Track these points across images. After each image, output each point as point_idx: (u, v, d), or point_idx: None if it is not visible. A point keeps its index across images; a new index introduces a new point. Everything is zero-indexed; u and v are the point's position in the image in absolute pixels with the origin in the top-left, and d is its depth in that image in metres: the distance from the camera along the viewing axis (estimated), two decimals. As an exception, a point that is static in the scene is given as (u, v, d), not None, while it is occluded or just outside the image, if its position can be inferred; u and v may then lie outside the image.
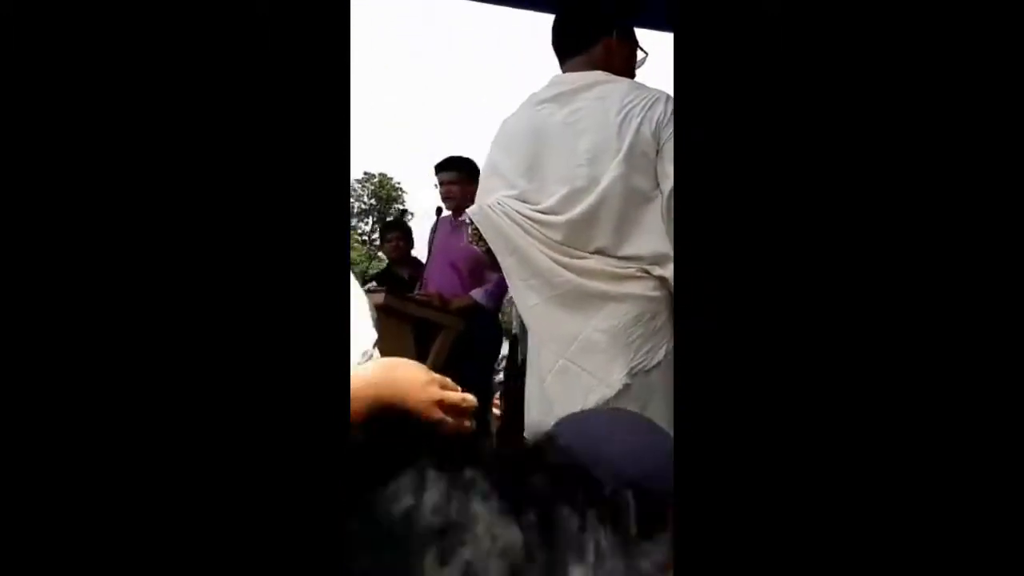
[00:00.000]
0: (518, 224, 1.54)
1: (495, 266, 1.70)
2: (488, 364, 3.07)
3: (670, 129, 1.47)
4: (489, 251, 1.63)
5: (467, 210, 1.73)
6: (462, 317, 2.76)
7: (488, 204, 1.60)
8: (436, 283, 3.02)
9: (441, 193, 3.12)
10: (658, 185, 1.51)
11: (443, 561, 0.30)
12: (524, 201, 1.57)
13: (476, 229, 1.64)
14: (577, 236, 1.53)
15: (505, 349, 2.83)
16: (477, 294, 2.96)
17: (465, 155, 3.13)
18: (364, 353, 0.97)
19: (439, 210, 3.20)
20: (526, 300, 1.57)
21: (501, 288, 2.92)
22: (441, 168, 3.10)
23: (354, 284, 0.95)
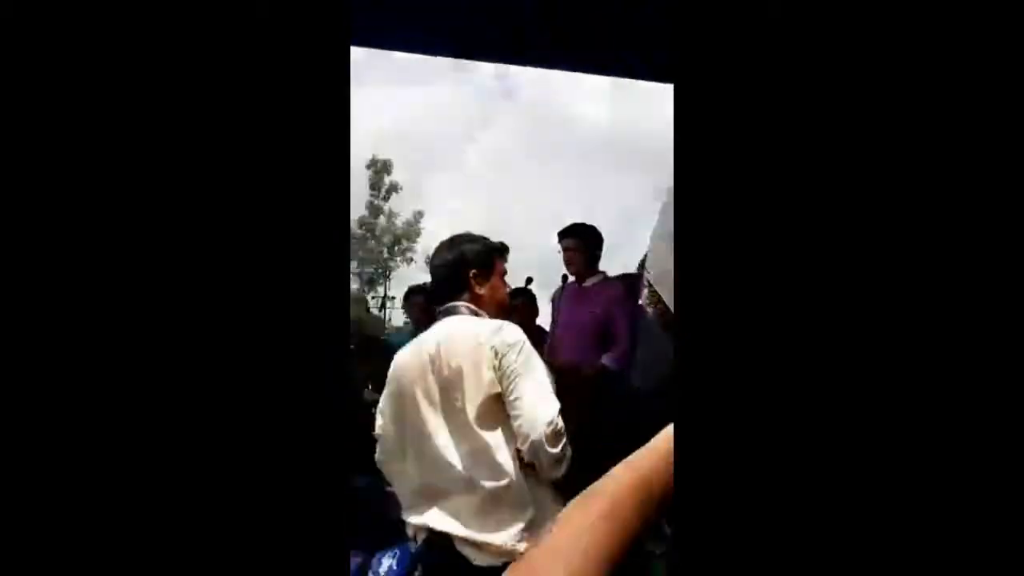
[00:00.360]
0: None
1: (668, 327, 1.64)
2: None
3: None
4: (664, 313, 1.58)
5: (645, 273, 1.70)
6: (594, 383, 2.70)
7: (668, 268, 1.56)
8: (565, 349, 2.98)
9: (565, 259, 3.11)
10: None
11: None
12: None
13: (655, 291, 1.60)
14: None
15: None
16: (608, 360, 2.91)
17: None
18: None
19: (564, 277, 3.19)
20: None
21: (627, 353, 2.86)
22: (565, 235, 3.10)
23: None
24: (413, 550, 1.70)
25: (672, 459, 0.52)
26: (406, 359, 1.73)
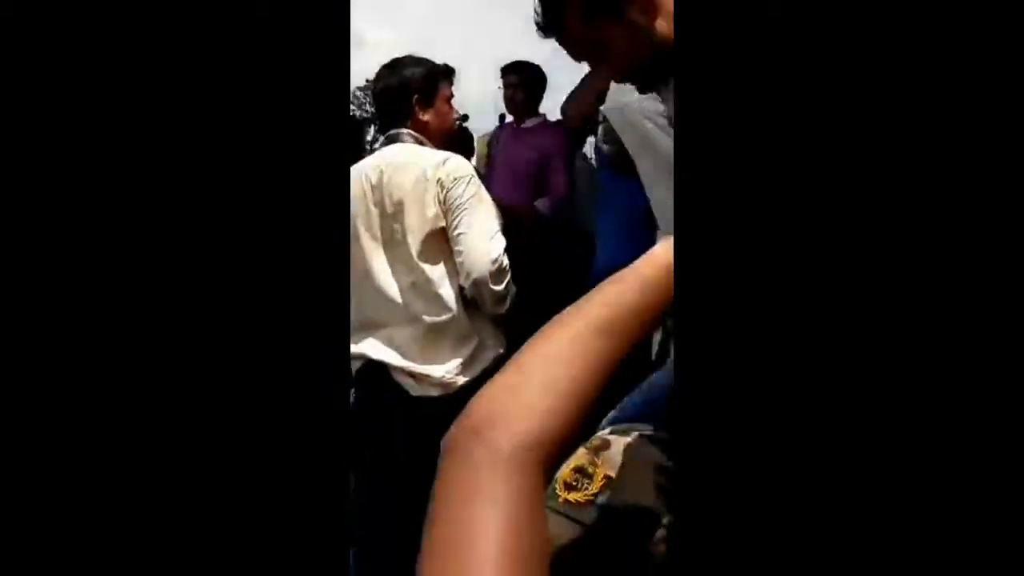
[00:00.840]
0: (660, 127, 1.45)
1: (618, 168, 1.61)
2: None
3: None
4: (619, 153, 1.54)
5: (602, 108, 1.64)
6: (529, 225, 2.68)
7: (626, 102, 1.51)
8: (499, 193, 2.93)
9: (505, 96, 2.99)
10: None
11: None
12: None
13: (610, 127, 1.55)
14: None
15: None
16: (542, 204, 2.88)
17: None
18: None
19: (502, 117, 3.09)
20: (667, 202, 1.49)
21: (565, 198, 2.84)
22: (508, 71, 2.97)
23: None
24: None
25: (660, 293, 0.52)
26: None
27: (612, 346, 0.49)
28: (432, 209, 1.54)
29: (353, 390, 1.67)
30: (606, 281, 0.54)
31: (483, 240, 1.54)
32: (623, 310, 0.51)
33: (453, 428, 0.46)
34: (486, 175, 3.09)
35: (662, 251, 0.53)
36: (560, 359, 0.48)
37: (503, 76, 2.99)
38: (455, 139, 1.81)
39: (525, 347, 0.50)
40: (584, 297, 0.52)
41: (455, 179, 1.55)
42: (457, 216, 1.54)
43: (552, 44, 0.97)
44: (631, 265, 0.55)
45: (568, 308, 0.52)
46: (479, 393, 0.47)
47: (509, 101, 3.00)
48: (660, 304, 0.52)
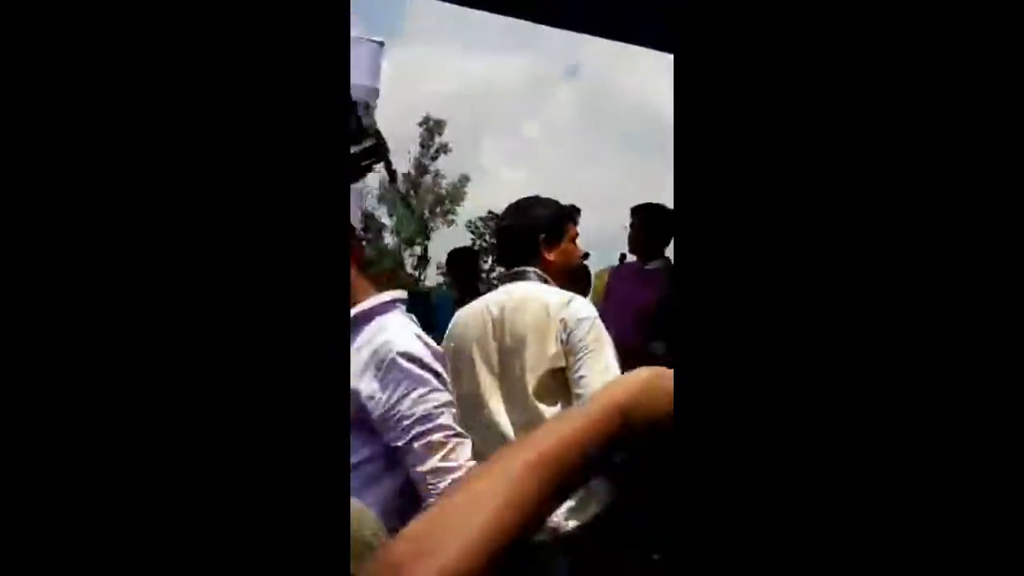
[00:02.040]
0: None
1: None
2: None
3: None
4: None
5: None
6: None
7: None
8: (615, 329, 2.90)
9: (629, 236, 3.02)
10: None
11: None
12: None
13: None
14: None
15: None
16: (658, 346, 2.82)
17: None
18: None
19: (622, 256, 3.11)
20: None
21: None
22: (636, 212, 3.01)
23: None
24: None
25: (602, 427, 0.52)
26: (467, 318, 1.68)
27: (543, 479, 0.49)
28: (553, 348, 1.54)
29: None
30: (552, 418, 0.55)
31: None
32: (558, 444, 0.50)
33: (374, 563, 0.47)
34: (602, 311, 3.09)
35: (614, 388, 0.53)
36: (487, 493, 0.48)
37: (632, 215, 3.03)
38: (576, 275, 1.82)
39: (461, 481, 0.51)
40: (530, 433, 0.53)
41: (579, 320, 1.55)
42: (580, 358, 1.52)
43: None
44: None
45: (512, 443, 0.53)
46: (403, 530, 0.48)
47: (632, 241, 3.03)
48: (598, 439, 0.51)
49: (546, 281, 1.68)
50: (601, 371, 1.51)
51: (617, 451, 0.51)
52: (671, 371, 0.54)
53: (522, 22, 2.81)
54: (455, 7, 2.32)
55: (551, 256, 1.71)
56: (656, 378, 0.54)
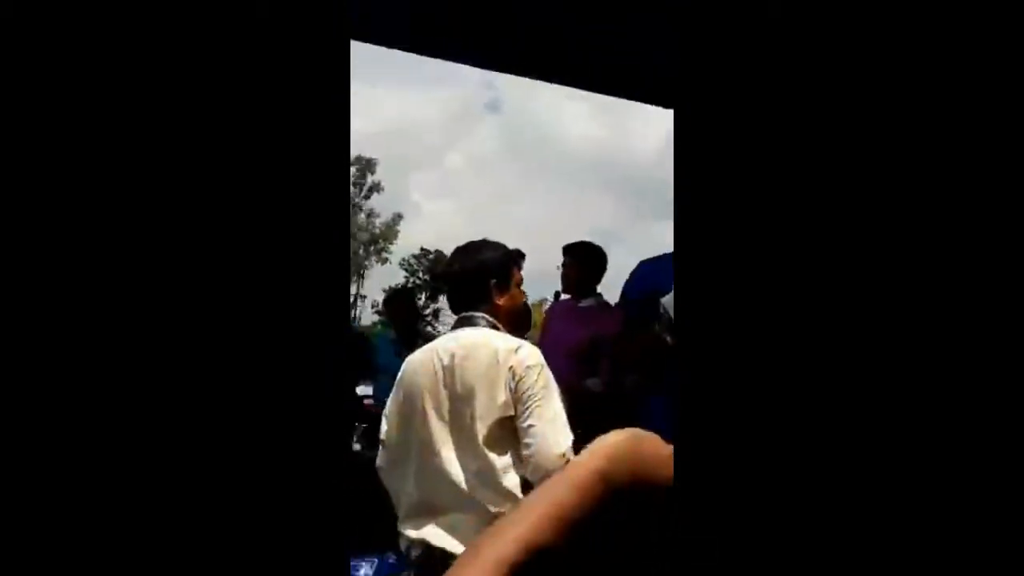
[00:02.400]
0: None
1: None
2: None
3: None
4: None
5: (663, 300, 1.68)
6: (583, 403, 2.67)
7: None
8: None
9: (563, 274, 3.09)
10: None
11: None
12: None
13: (671, 319, 1.58)
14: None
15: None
16: (592, 383, 2.87)
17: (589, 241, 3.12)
18: None
19: (557, 293, 3.17)
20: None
21: (609, 384, 2.82)
22: (568, 251, 3.09)
23: None
24: (406, 561, 1.65)
25: (587, 496, 0.50)
26: (417, 365, 1.67)
27: (521, 548, 0.47)
28: (502, 396, 1.54)
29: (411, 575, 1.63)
30: (542, 486, 0.54)
31: (553, 433, 1.52)
32: (540, 513, 0.49)
33: None
34: (539, 345, 3.14)
35: (588, 455, 0.52)
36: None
37: (564, 254, 3.10)
38: (522, 319, 1.85)
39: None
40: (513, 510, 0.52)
41: (527, 367, 1.56)
42: (527, 407, 1.53)
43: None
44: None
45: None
46: None
47: (565, 279, 3.09)
48: (581, 506, 0.49)
49: (495, 327, 1.69)
50: (550, 420, 1.53)
51: (602, 517, 0.50)
52: (647, 433, 0.52)
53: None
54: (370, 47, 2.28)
55: (500, 301, 1.72)
56: (633, 439, 0.52)
